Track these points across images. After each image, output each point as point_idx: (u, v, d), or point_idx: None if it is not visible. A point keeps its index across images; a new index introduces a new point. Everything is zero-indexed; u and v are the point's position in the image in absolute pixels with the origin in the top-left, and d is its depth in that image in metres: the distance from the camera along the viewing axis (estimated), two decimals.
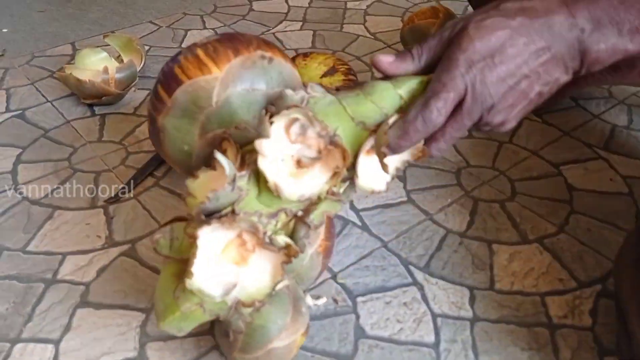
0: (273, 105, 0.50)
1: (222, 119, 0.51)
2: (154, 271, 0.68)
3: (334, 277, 0.68)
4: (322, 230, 0.56)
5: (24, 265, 0.69)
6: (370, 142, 0.50)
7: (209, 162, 0.50)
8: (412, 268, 0.69)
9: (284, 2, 1.36)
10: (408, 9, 1.33)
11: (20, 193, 0.79)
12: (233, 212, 0.47)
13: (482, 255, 0.71)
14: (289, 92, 0.49)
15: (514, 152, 0.88)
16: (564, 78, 0.50)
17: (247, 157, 0.50)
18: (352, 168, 0.50)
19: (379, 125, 0.50)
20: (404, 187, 0.81)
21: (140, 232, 0.73)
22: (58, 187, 0.80)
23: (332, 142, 0.49)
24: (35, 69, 1.08)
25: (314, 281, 0.61)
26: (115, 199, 0.78)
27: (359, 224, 0.75)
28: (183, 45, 1.16)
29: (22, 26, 1.24)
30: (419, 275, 0.68)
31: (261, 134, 0.47)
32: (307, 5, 1.34)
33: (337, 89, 0.52)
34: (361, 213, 0.77)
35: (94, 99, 0.95)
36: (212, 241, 0.47)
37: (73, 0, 1.36)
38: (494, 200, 0.79)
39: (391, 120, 0.50)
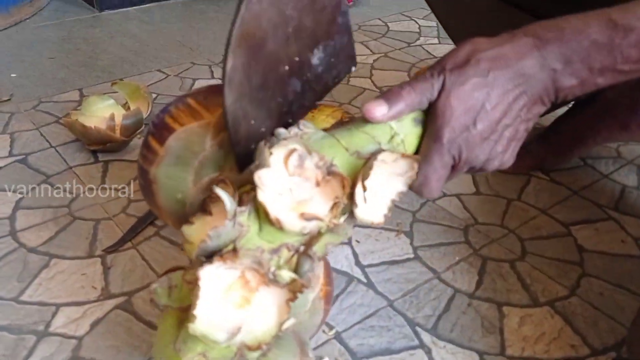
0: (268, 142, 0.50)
1: (216, 162, 0.51)
2: (149, 326, 0.65)
3: (338, 336, 0.65)
4: (321, 274, 0.55)
5: (16, 316, 0.67)
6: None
7: (204, 208, 0.49)
8: (419, 329, 0.67)
9: None
10: (414, 64, 1.34)
11: (18, 240, 0.78)
12: (234, 249, 0.46)
13: (491, 318, 0.68)
14: (281, 130, 0.50)
15: (523, 210, 0.87)
16: (543, 109, 0.53)
17: (244, 196, 0.49)
18: (351, 198, 0.49)
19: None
20: (411, 244, 0.79)
21: (137, 284, 0.71)
22: (56, 235, 0.78)
23: (330, 171, 0.48)
24: (41, 114, 1.08)
25: (317, 329, 0.58)
26: (113, 249, 0.76)
27: (364, 281, 0.73)
28: None
29: (31, 72, 1.24)
30: (426, 338, 0.66)
31: (260, 164, 0.47)
32: None
33: (325, 130, 0.53)
34: (366, 269, 0.74)
35: (99, 145, 0.94)
36: (214, 282, 0.45)
37: (83, 48, 1.37)
38: (503, 260, 0.77)
39: (383, 156, 0.50)
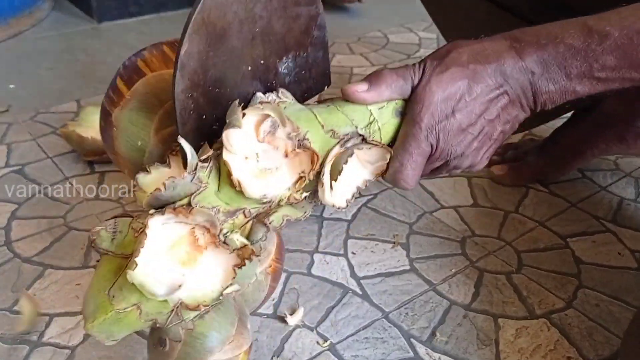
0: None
1: None
2: (142, 336, 0.65)
3: (332, 348, 0.65)
4: (273, 250, 0.54)
5: (9, 326, 0.66)
6: (336, 150, 0.50)
7: (164, 160, 0.48)
8: (413, 341, 0.66)
9: None
10: None
11: (12, 250, 0.77)
12: (189, 204, 0.45)
13: (487, 330, 0.68)
14: (259, 94, 0.49)
15: (521, 222, 0.86)
16: (522, 115, 0.53)
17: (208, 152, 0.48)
18: (317, 177, 0.48)
19: (347, 140, 0.50)
20: (407, 255, 0.79)
21: None
22: (51, 245, 0.78)
23: (302, 145, 0.47)
24: (38, 124, 1.08)
25: (258, 305, 0.57)
26: None
27: (360, 292, 0.72)
28: None
29: (29, 83, 1.25)
30: (421, 350, 0.65)
31: (231, 123, 0.45)
32: None
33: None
34: (362, 281, 0.74)
35: (95, 156, 0.94)
36: (162, 233, 0.44)
37: (81, 59, 1.38)
38: (499, 272, 0.77)
39: (359, 145, 0.50)
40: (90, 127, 0.95)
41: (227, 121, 0.46)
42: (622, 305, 0.72)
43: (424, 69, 0.52)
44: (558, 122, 0.95)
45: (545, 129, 1.04)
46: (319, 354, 0.64)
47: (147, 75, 0.50)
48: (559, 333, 0.68)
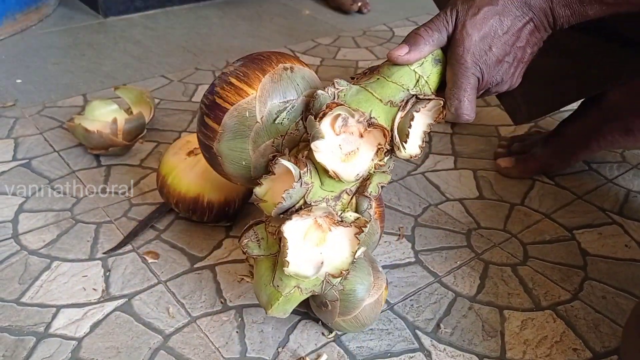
0: (310, 107, 0.58)
1: (269, 130, 0.59)
2: (148, 327, 0.65)
3: (337, 339, 0.65)
4: (374, 200, 0.65)
5: (16, 317, 0.67)
6: (399, 116, 0.57)
7: (267, 170, 0.59)
8: (418, 333, 0.66)
9: None
10: None
11: (19, 242, 0.78)
12: (305, 203, 0.56)
13: (492, 322, 0.68)
14: (320, 92, 0.57)
15: (526, 214, 0.86)
16: (546, 35, 0.61)
17: (299, 156, 0.58)
18: (392, 141, 0.57)
19: (405, 103, 0.57)
20: (412, 248, 0.79)
21: (137, 287, 0.71)
22: (58, 238, 0.79)
23: (371, 124, 0.57)
24: (45, 119, 1.08)
25: (376, 244, 0.68)
26: (114, 251, 0.76)
27: None
28: (193, 100, 1.17)
29: (36, 77, 1.25)
30: (426, 341, 0.65)
31: (314, 137, 0.55)
32: (319, 64, 1.35)
33: (352, 78, 0.61)
34: None
35: (101, 149, 0.94)
36: (295, 231, 0.55)
37: (87, 54, 1.38)
38: (505, 264, 0.76)
39: (417, 105, 0.57)
40: (96, 121, 0.96)
41: (311, 134, 0.56)
42: (629, 297, 0.72)
43: (457, 14, 0.58)
44: (564, 115, 0.94)
45: (551, 121, 1.04)
46: (324, 345, 0.64)
47: (229, 109, 0.58)
48: (565, 325, 0.68)
